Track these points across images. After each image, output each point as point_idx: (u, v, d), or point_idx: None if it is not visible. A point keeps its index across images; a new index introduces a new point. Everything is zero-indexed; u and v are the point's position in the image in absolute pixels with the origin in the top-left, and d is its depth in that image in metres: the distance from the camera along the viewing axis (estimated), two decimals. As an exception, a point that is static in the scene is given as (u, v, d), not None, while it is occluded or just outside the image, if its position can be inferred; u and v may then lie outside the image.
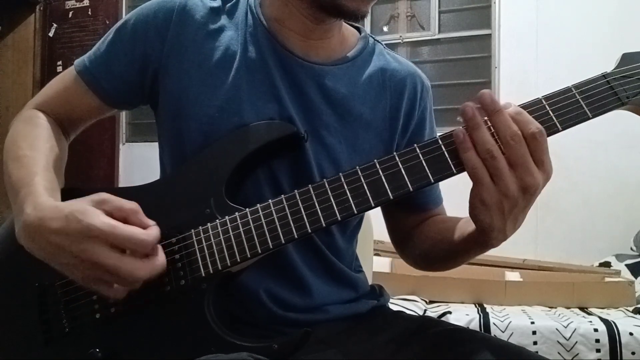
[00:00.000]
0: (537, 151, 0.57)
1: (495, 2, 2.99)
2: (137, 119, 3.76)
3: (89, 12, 3.82)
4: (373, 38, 0.87)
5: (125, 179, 3.68)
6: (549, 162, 0.58)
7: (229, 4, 0.79)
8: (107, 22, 3.75)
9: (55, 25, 3.92)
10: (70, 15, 3.89)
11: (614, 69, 0.63)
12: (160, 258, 0.60)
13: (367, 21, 3.18)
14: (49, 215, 0.59)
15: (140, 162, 3.62)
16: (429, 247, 0.81)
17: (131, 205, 0.60)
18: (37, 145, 0.72)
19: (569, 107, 0.60)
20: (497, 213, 0.58)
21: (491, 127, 0.58)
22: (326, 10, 0.72)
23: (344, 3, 0.70)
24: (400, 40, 3.21)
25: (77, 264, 0.58)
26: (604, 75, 0.62)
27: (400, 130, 0.82)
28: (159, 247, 0.61)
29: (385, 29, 3.26)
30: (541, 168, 0.57)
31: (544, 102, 0.61)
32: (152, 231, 0.60)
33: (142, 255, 0.59)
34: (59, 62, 3.85)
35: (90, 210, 0.58)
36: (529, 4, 2.90)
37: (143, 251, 0.58)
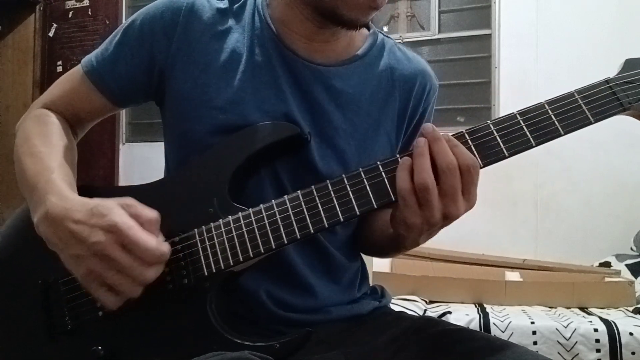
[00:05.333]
0: (468, 183, 0.59)
1: (495, 2, 2.99)
2: (137, 119, 3.75)
3: (89, 12, 3.82)
4: (383, 34, 0.85)
5: (125, 179, 3.67)
6: (475, 194, 0.60)
7: (236, 5, 0.78)
8: (107, 22, 3.74)
9: (55, 25, 3.91)
10: (70, 15, 3.88)
11: (617, 75, 0.63)
12: (158, 272, 0.61)
13: (367, 21, 3.17)
14: (75, 207, 0.61)
15: (140, 162, 3.61)
16: (369, 232, 0.83)
17: (150, 214, 0.61)
18: (51, 142, 0.73)
19: (571, 112, 0.61)
20: (416, 232, 0.62)
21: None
22: (326, 18, 0.72)
23: (343, 13, 0.69)
24: (400, 40, 3.21)
25: (87, 258, 0.59)
26: (607, 81, 0.62)
27: (405, 128, 0.82)
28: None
29: (385, 29, 3.26)
30: (467, 198, 0.60)
31: (547, 107, 0.62)
32: (164, 245, 0.61)
33: (145, 263, 0.59)
34: (59, 62, 3.84)
35: (116, 208, 0.59)
36: (529, 4, 2.90)
37: (148, 260, 0.59)
